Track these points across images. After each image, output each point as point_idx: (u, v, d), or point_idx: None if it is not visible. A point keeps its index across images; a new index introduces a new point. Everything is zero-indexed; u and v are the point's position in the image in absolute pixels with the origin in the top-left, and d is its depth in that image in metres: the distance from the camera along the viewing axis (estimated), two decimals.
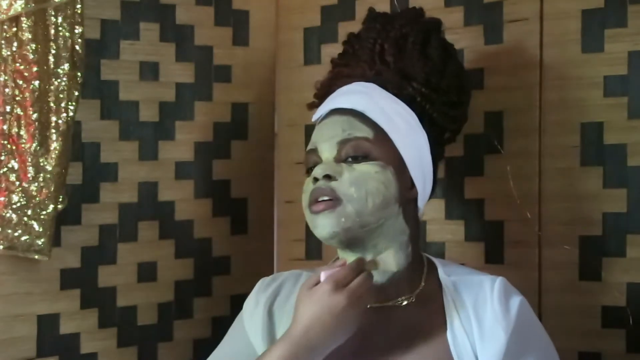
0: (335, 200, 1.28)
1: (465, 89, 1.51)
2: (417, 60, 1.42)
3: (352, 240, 1.30)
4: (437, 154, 1.42)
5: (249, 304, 1.41)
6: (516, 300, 1.29)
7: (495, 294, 1.29)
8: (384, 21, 1.48)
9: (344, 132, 1.32)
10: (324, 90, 1.47)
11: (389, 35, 1.44)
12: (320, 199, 1.29)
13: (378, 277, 1.32)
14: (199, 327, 1.83)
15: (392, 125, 1.34)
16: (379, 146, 1.32)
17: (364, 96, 1.36)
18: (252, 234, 1.92)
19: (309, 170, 1.35)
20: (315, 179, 1.30)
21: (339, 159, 1.32)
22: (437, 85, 1.41)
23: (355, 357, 1.29)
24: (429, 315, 1.31)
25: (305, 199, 1.33)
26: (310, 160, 1.35)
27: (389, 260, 1.33)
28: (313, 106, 1.50)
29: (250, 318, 1.38)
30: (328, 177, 1.29)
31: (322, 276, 1.25)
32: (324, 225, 1.29)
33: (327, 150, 1.33)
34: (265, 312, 1.37)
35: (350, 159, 1.31)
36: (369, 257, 1.32)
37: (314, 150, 1.35)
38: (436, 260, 1.39)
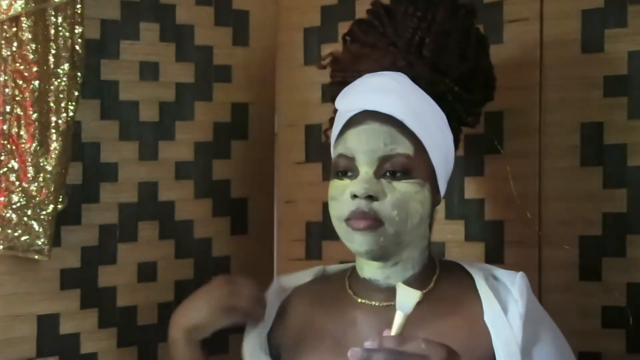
0: (377, 221, 1.27)
1: (492, 87, 1.48)
2: (455, 59, 1.37)
3: (384, 255, 1.31)
4: (456, 148, 1.41)
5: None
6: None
7: (516, 287, 1.33)
8: (424, 8, 1.38)
9: (386, 147, 1.27)
10: (346, 67, 1.41)
11: (431, 30, 1.36)
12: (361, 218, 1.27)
13: (394, 280, 1.32)
14: None
15: (428, 136, 1.30)
16: (418, 163, 1.29)
17: (401, 99, 1.30)
18: (252, 234, 1.92)
19: (338, 173, 1.31)
20: (355, 196, 1.27)
21: (378, 174, 1.28)
22: (468, 84, 1.38)
23: None
24: (442, 316, 1.31)
25: (337, 208, 1.30)
26: (343, 165, 1.31)
27: (408, 264, 1.34)
28: (335, 76, 1.44)
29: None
30: (370, 197, 1.27)
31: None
32: (361, 243, 1.28)
33: (366, 164, 1.28)
34: None
35: (388, 173, 1.28)
36: (390, 264, 1.33)
37: (351, 159, 1.30)
38: (460, 261, 1.41)
